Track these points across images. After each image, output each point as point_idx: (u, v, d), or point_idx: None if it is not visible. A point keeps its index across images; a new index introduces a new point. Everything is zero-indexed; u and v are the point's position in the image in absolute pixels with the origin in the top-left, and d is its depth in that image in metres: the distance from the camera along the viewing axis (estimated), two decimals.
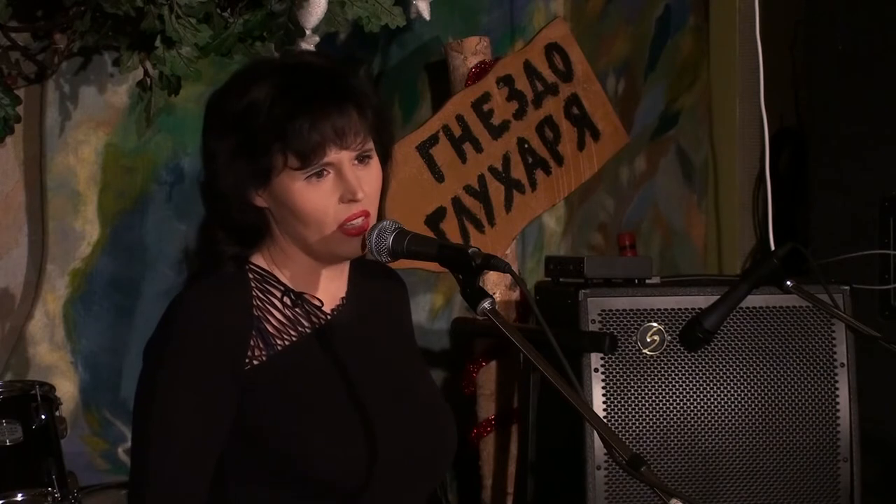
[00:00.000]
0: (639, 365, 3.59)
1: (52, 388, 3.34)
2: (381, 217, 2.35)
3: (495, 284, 4.06)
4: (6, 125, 3.31)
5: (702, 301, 3.60)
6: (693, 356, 3.62)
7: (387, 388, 2.39)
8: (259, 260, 2.37)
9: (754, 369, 3.66)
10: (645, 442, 3.58)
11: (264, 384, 2.30)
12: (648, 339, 3.60)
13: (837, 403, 3.69)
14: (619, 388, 3.58)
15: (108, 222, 3.72)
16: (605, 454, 3.44)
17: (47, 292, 3.65)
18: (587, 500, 3.54)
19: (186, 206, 3.74)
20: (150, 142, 3.77)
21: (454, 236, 4.00)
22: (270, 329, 2.33)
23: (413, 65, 4.28)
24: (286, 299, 2.36)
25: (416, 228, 2.49)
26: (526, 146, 4.16)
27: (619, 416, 3.57)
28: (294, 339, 2.35)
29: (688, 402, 3.61)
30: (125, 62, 3.50)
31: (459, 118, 4.05)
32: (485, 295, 2.18)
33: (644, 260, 3.93)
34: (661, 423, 3.60)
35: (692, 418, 3.62)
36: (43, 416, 3.25)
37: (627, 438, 3.55)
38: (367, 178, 2.32)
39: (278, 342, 2.33)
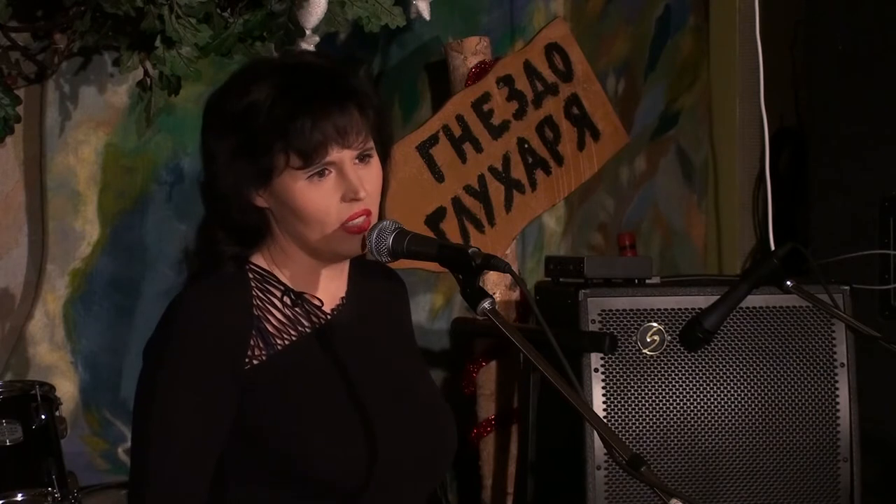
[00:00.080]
0: (639, 365, 3.59)
1: (52, 388, 3.34)
2: (381, 217, 2.35)
3: (495, 284, 4.06)
4: (6, 125, 3.31)
5: (702, 301, 3.60)
6: (693, 356, 3.62)
7: (387, 388, 2.39)
8: (259, 260, 2.38)
9: (754, 369, 3.66)
10: (645, 442, 3.58)
11: (264, 384, 2.30)
12: (648, 339, 3.60)
13: (837, 403, 3.69)
14: (619, 388, 3.58)
15: (108, 222, 3.72)
16: (605, 454, 3.44)
17: (47, 292, 3.65)
18: (587, 500, 3.54)
19: (186, 206, 3.74)
20: (150, 142, 3.77)
21: (454, 236, 4.00)
22: (270, 329, 2.33)
23: (413, 65, 4.28)
24: (286, 299, 2.36)
25: (416, 228, 2.49)
26: (526, 146, 4.16)
27: (619, 416, 3.57)
28: (294, 338, 2.35)
29: (688, 402, 3.61)
30: (125, 62, 3.50)
31: (459, 118, 4.05)
32: (485, 295, 2.18)
33: (644, 260, 3.93)
34: (661, 423, 3.60)
35: (692, 418, 3.62)
36: (43, 416, 3.25)
37: (627, 438, 3.55)
38: (369, 177, 2.32)
39: (278, 342, 2.33)
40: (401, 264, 2.34)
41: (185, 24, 3.31)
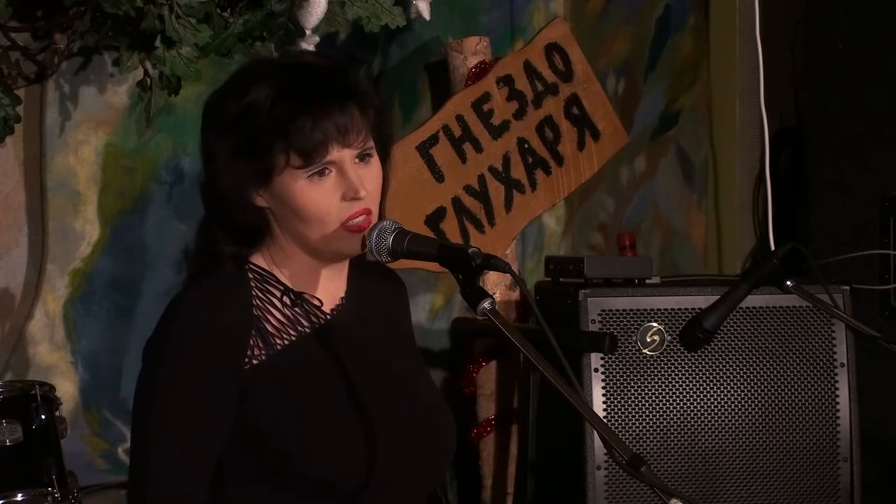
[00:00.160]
0: (639, 365, 3.59)
1: (52, 388, 3.34)
2: (381, 216, 2.35)
3: (495, 284, 4.06)
4: (6, 125, 3.31)
5: (702, 301, 3.60)
6: (693, 356, 3.62)
7: (386, 388, 2.39)
8: (259, 260, 2.37)
9: (754, 369, 3.66)
10: (645, 442, 3.58)
11: (264, 384, 2.30)
12: (648, 339, 3.60)
13: (837, 403, 3.69)
14: (619, 388, 3.58)
15: (108, 222, 3.72)
16: (605, 454, 3.44)
17: (47, 292, 3.65)
18: (587, 500, 3.54)
19: (186, 206, 3.74)
20: (150, 142, 3.77)
21: (454, 236, 4.00)
22: (270, 329, 2.33)
23: (413, 65, 4.28)
24: (286, 299, 2.36)
25: (416, 228, 2.49)
26: (526, 146, 4.16)
27: (619, 416, 3.57)
28: (293, 338, 2.35)
29: (688, 402, 3.61)
30: (125, 62, 3.50)
31: (459, 118, 4.05)
32: (485, 295, 2.18)
33: (644, 260, 3.93)
34: (661, 423, 3.60)
35: (692, 418, 3.62)
36: (43, 416, 3.25)
37: (627, 438, 3.55)
38: (369, 177, 2.32)
39: (278, 342, 2.33)
40: (401, 264, 2.34)
41: (185, 24, 3.31)
